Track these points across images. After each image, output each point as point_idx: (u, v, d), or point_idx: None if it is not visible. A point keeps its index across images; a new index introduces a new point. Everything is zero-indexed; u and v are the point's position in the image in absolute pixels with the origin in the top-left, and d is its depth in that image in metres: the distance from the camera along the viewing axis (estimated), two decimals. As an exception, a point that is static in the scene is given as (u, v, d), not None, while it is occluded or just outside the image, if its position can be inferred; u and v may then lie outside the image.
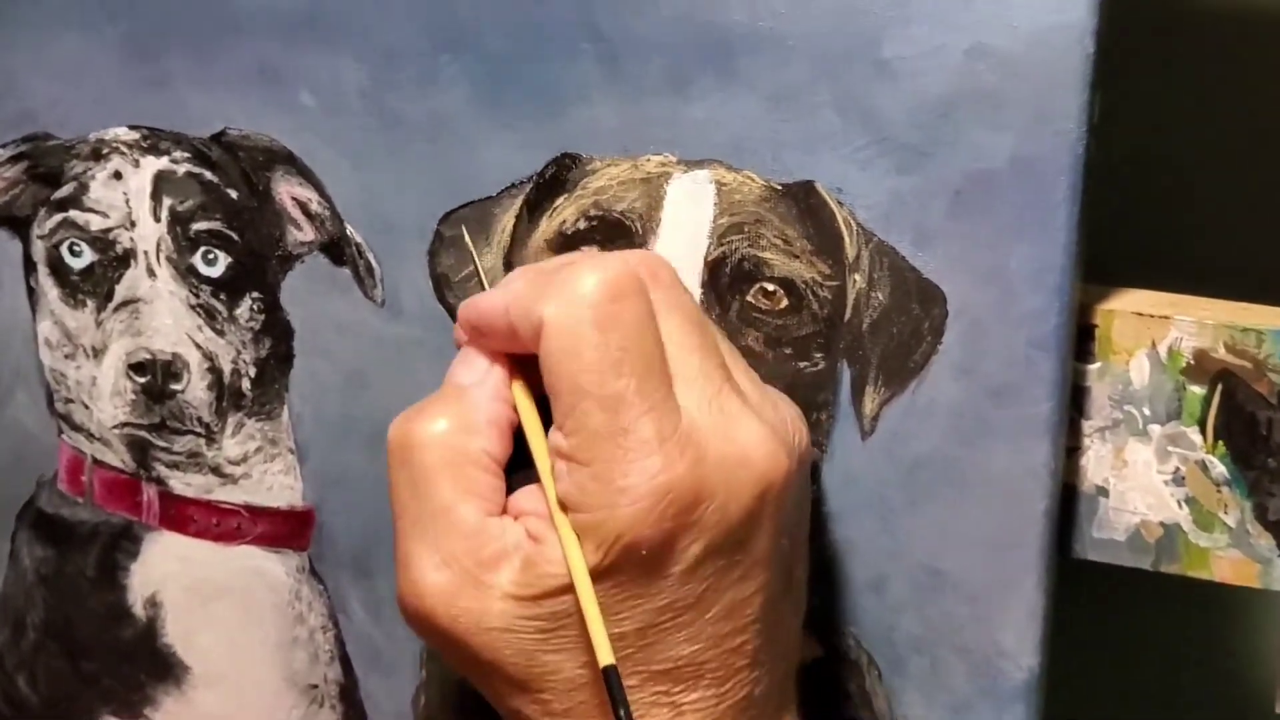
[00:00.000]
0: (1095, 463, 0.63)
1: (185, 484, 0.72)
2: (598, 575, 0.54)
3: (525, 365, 0.57)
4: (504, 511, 0.56)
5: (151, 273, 0.70)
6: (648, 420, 0.53)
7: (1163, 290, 0.63)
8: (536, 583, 0.55)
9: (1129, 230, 0.70)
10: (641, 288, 0.55)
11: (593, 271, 0.54)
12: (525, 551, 0.55)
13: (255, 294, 0.70)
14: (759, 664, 0.57)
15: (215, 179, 0.69)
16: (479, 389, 0.57)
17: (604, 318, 0.53)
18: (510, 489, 0.57)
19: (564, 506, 0.54)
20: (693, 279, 0.63)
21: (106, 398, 0.71)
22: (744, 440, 0.55)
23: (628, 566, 0.54)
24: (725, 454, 0.54)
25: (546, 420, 0.56)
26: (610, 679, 0.52)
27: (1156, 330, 0.61)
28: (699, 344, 0.56)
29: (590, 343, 0.53)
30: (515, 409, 0.57)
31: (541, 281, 0.55)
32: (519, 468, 0.57)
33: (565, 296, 0.54)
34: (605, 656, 0.53)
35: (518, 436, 0.57)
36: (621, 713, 0.52)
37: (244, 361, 0.70)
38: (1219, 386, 0.61)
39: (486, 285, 0.61)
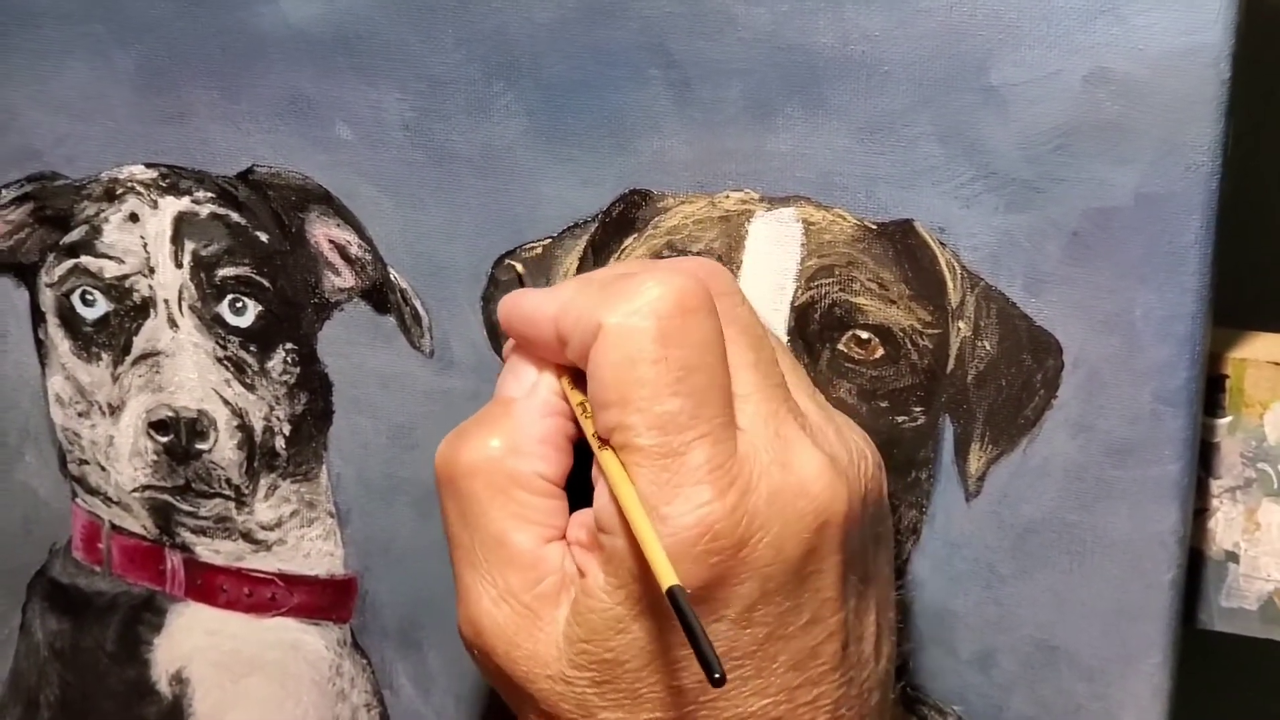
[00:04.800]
0: (1225, 526, 0.59)
1: (213, 551, 0.68)
2: (642, 614, 0.50)
3: (576, 376, 0.53)
4: (564, 537, 0.53)
5: (173, 323, 0.65)
6: (700, 446, 0.49)
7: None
8: (583, 621, 0.51)
9: (1259, 267, 0.65)
10: (711, 302, 0.51)
11: (659, 282, 0.50)
12: (575, 588, 0.51)
13: (289, 345, 0.65)
14: None
15: (243, 221, 0.64)
16: (527, 403, 0.54)
17: (668, 331, 0.50)
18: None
19: (600, 526, 0.51)
20: (779, 326, 0.59)
21: (125, 459, 0.67)
22: (800, 469, 0.51)
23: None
24: (780, 485, 0.50)
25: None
26: (675, 600, 0.47)
27: (1294, 380, 0.56)
28: (755, 360, 0.52)
29: (649, 356, 0.49)
30: (570, 420, 0.54)
31: (598, 289, 0.52)
32: (578, 485, 0.53)
33: (628, 306, 0.50)
34: (667, 578, 0.47)
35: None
36: (697, 633, 0.46)
37: (277, 418, 0.66)
38: (1364, 442, 0.57)
39: None
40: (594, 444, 0.51)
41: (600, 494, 0.51)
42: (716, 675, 0.46)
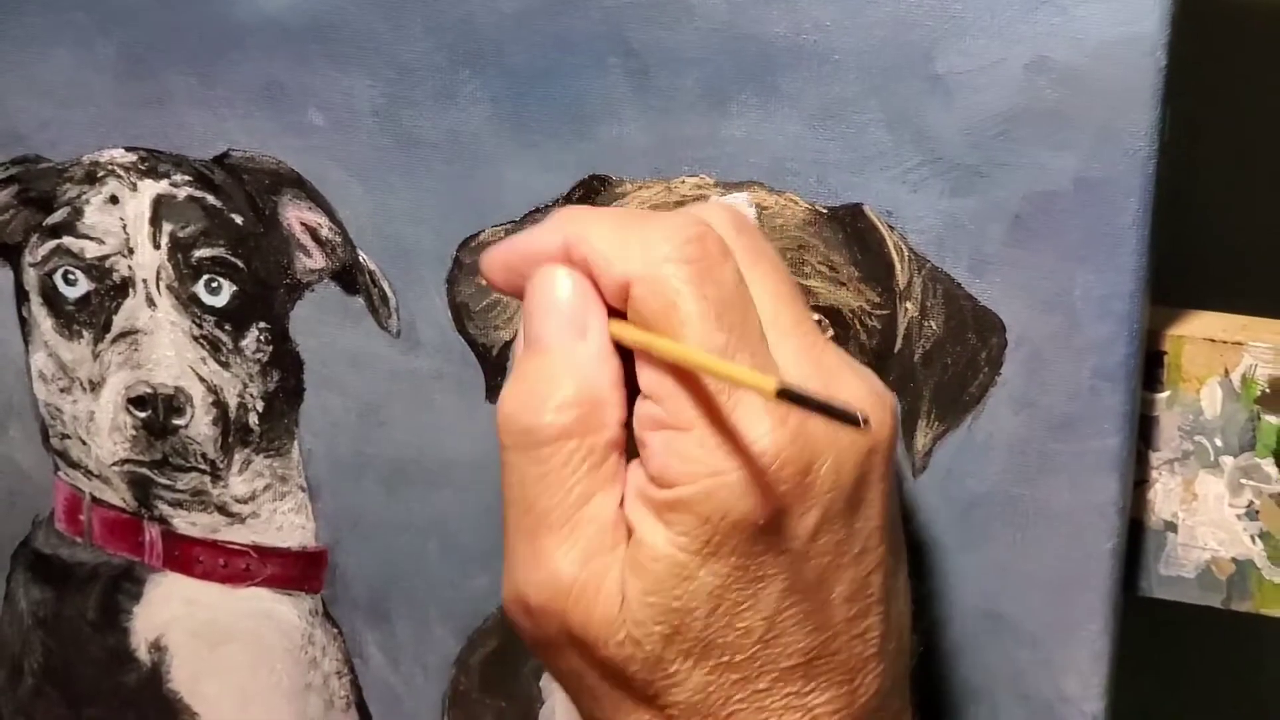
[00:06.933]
0: (1163, 497, 0.60)
1: (190, 523, 0.69)
2: (709, 558, 0.49)
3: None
4: None
5: (151, 302, 0.66)
6: None
7: (1234, 311, 0.60)
8: (644, 574, 0.49)
9: (1198, 247, 0.67)
10: (725, 246, 0.50)
11: (678, 229, 0.50)
12: (631, 541, 0.50)
13: (262, 324, 0.67)
14: (884, 654, 0.52)
15: (218, 203, 0.66)
16: (589, 350, 0.51)
17: (698, 274, 0.49)
18: None
19: (661, 483, 0.49)
20: (732, 308, 0.60)
21: (105, 433, 0.68)
22: (848, 394, 0.50)
23: (741, 545, 0.49)
24: None
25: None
26: (791, 394, 0.46)
27: (1229, 357, 0.58)
28: (789, 293, 0.52)
29: (687, 296, 0.49)
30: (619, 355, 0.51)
31: (618, 237, 0.50)
32: None
33: (652, 253, 0.49)
34: (767, 384, 0.46)
35: None
36: (826, 402, 0.45)
37: (251, 395, 0.67)
38: (1296, 417, 0.58)
39: None
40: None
41: (657, 447, 0.50)
42: (862, 420, 0.45)
